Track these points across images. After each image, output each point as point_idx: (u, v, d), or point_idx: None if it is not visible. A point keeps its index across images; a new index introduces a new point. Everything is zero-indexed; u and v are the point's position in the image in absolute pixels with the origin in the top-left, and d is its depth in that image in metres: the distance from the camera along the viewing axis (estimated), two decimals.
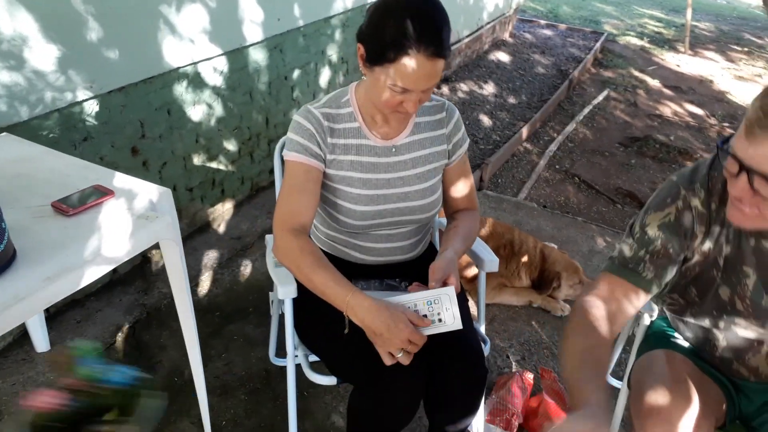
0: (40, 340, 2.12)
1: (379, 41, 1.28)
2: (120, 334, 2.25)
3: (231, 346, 2.24)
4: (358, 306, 1.27)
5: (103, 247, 1.26)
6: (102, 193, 1.42)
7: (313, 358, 1.59)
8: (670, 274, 1.25)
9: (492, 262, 1.66)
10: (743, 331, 1.26)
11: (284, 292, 1.49)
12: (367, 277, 1.59)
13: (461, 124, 1.59)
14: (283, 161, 1.50)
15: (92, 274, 1.23)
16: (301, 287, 1.49)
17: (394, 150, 1.49)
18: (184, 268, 1.53)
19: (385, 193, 1.49)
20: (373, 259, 1.60)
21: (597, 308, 1.21)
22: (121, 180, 1.50)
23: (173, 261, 1.48)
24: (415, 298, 1.33)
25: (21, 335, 2.16)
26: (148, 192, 1.46)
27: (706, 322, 1.31)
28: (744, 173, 1.01)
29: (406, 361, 1.27)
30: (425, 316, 1.30)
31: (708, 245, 1.23)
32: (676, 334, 1.48)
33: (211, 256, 2.76)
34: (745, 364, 1.32)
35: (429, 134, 1.54)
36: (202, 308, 2.42)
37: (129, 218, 1.36)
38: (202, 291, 2.53)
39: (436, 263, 1.40)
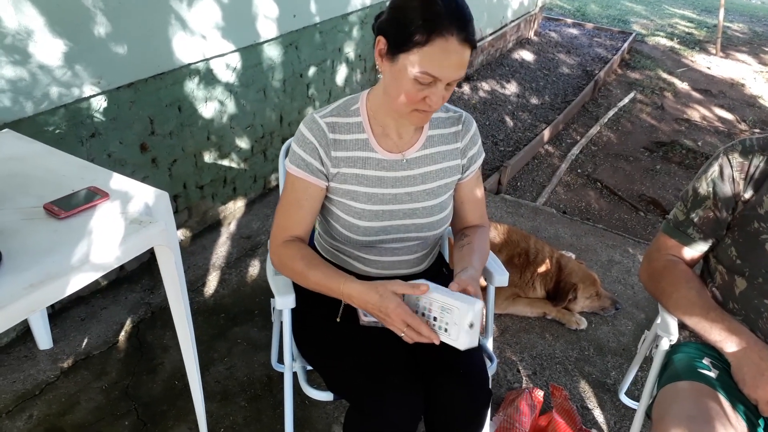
0: (43, 338, 2.10)
1: (406, 24, 1.18)
2: (123, 333, 2.22)
3: (234, 349, 2.19)
4: (350, 292, 1.26)
5: (91, 253, 1.22)
6: (96, 195, 1.37)
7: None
8: (717, 233, 1.42)
9: (502, 276, 1.58)
10: None
11: (282, 303, 1.44)
12: None
13: (478, 137, 1.51)
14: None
15: (78, 281, 1.18)
16: (299, 298, 1.44)
17: (404, 161, 1.41)
18: (181, 274, 1.48)
19: (390, 208, 1.41)
20: (377, 272, 1.53)
21: (677, 262, 1.46)
22: (117, 181, 1.46)
23: (168, 267, 1.43)
24: (434, 299, 1.23)
25: (24, 332, 2.15)
26: (144, 195, 1.41)
27: (755, 291, 1.34)
28: None
29: (409, 340, 1.22)
30: (435, 319, 1.22)
31: (750, 193, 1.36)
32: (704, 362, 1.39)
33: (219, 255, 2.72)
34: None
35: (442, 148, 1.45)
36: (207, 309, 2.38)
37: (122, 222, 1.31)
38: (209, 291, 2.48)
39: (460, 278, 1.31)
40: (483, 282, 2.27)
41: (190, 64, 2.46)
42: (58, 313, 2.26)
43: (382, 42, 1.25)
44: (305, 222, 1.40)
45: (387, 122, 1.39)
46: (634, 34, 7.55)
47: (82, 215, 1.31)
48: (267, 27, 2.81)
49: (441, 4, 1.16)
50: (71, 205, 1.32)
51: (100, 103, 2.14)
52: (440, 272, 1.67)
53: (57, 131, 2.03)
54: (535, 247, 2.54)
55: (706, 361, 1.40)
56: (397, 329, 1.22)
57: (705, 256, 1.52)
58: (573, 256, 2.82)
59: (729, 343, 1.32)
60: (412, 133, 1.42)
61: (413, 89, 1.22)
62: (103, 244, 1.25)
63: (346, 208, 1.41)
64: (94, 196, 1.37)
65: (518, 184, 3.99)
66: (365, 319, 1.42)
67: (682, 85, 6.26)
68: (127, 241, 1.28)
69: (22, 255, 1.18)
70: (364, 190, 1.40)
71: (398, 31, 1.20)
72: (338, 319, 1.39)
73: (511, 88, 5.52)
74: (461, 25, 1.17)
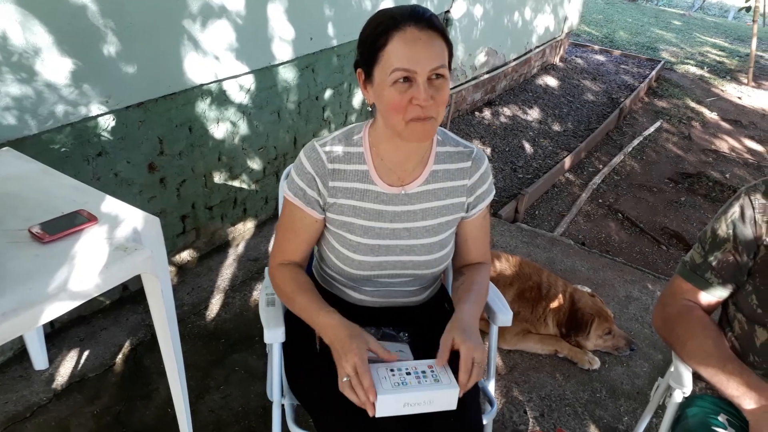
0: (39, 358, 2.07)
1: (367, 40, 1.21)
2: (120, 356, 2.18)
3: (231, 377, 2.13)
4: (326, 324, 1.24)
5: (71, 280, 1.17)
6: (84, 219, 1.34)
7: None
8: (737, 278, 1.33)
9: (505, 316, 1.50)
10: None
11: (271, 336, 1.38)
12: (365, 322, 1.46)
13: (488, 175, 1.43)
14: None
15: (53, 311, 1.14)
16: (291, 332, 1.39)
17: (404, 195, 1.35)
18: (170, 304, 1.43)
19: (387, 243, 1.36)
20: (373, 300, 1.47)
21: (693, 308, 1.36)
22: (109, 205, 1.42)
23: (154, 296, 1.38)
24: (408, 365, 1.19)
25: (21, 351, 2.12)
26: (134, 219, 1.37)
27: None
28: None
29: (349, 393, 1.14)
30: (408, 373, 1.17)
31: None
32: (719, 419, 1.30)
33: (225, 278, 2.68)
34: None
35: (446, 184, 1.38)
36: (207, 334, 2.33)
37: (106, 249, 1.27)
38: (210, 315, 2.44)
39: (449, 335, 1.23)
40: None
41: (202, 85, 2.45)
42: (57, 332, 2.23)
43: (360, 74, 1.26)
44: (301, 250, 1.40)
45: (389, 153, 1.34)
46: (662, 62, 7.44)
47: (66, 240, 1.28)
48: (283, 49, 2.79)
49: (392, 10, 1.20)
50: (56, 229, 1.29)
51: (107, 123, 2.13)
52: (441, 307, 1.59)
53: (62, 149, 2.01)
54: (548, 281, 2.45)
55: (721, 418, 1.30)
56: (342, 372, 1.16)
57: (724, 303, 1.42)
58: (588, 290, 2.72)
59: (747, 400, 1.21)
60: (414, 165, 1.36)
61: (396, 95, 1.17)
62: (84, 271, 1.20)
63: (342, 239, 1.36)
64: (81, 219, 1.33)
65: (536, 212, 3.90)
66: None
67: (711, 115, 6.11)
68: (110, 269, 1.24)
69: (0, 281, 1.15)
70: (361, 223, 1.35)
71: (365, 51, 1.22)
72: (317, 347, 1.34)
73: (534, 114, 5.44)
74: (417, 16, 1.17)
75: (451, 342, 1.21)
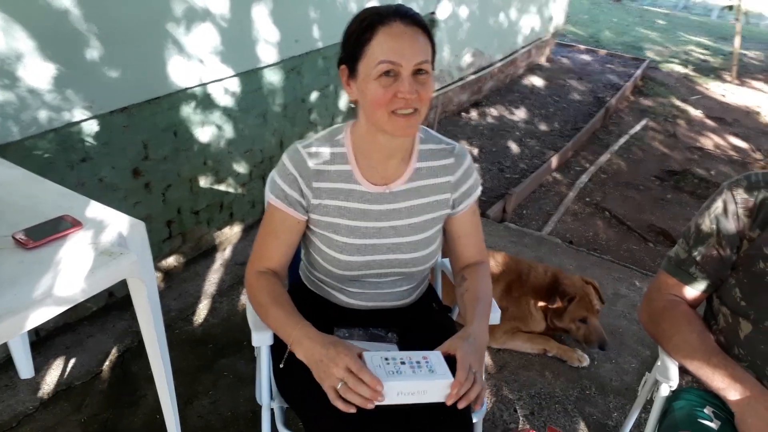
0: (24, 366, 2.04)
1: (352, 35, 1.21)
2: (107, 363, 2.16)
3: (220, 382, 2.12)
4: (303, 337, 1.19)
5: (56, 286, 1.16)
6: (69, 224, 1.32)
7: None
8: (721, 272, 1.34)
9: (494, 314, 1.50)
10: None
11: (259, 339, 1.37)
12: (352, 324, 1.46)
13: (472, 170, 1.44)
14: None
15: (38, 317, 1.13)
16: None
17: (389, 194, 1.35)
18: (156, 308, 1.42)
19: (374, 243, 1.36)
20: (361, 304, 1.47)
21: (678, 303, 1.38)
22: (94, 210, 1.41)
23: (140, 301, 1.37)
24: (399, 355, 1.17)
25: (6, 360, 2.09)
26: (119, 224, 1.36)
27: (761, 336, 1.27)
28: None
29: (350, 394, 1.09)
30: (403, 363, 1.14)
31: (755, 232, 1.28)
32: (705, 411, 1.31)
33: (212, 282, 2.66)
34: None
35: (430, 181, 1.39)
36: (195, 339, 2.32)
37: (91, 254, 1.26)
38: (198, 320, 2.42)
39: (453, 342, 1.22)
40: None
41: (187, 89, 2.44)
42: (42, 340, 2.21)
43: (344, 71, 1.26)
44: (280, 254, 1.36)
45: (372, 152, 1.34)
46: (647, 61, 7.49)
47: (51, 245, 1.26)
48: (268, 52, 2.78)
49: (378, 7, 1.21)
50: (40, 235, 1.27)
51: (91, 128, 2.11)
52: (430, 307, 1.59)
53: (46, 155, 1.99)
54: (528, 265, 2.46)
55: (707, 411, 1.32)
56: (334, 380, 1.11)
57: (708, 297, 1.44)
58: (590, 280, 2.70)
59: (732, 392, 1.23)
60: (397, 163, 1.37)
61: (380, 89, 1.18)
62: (69, 276, 1.19)
63: (328, 241, 1.36)
64: (65, 225, 1.32)
65: (524, 212, 3.91)
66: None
67: (696, 113, 6.16)
68: (96, 274, 1.23)
69: None
70: (347, 223, 1.35)
71: (349, 47, 1.22)
72: (281, 365, 1.30)
73: (520, 114, 5.46)
74: (402, 12, 1.19)
75: (450, 346, 1.20)
